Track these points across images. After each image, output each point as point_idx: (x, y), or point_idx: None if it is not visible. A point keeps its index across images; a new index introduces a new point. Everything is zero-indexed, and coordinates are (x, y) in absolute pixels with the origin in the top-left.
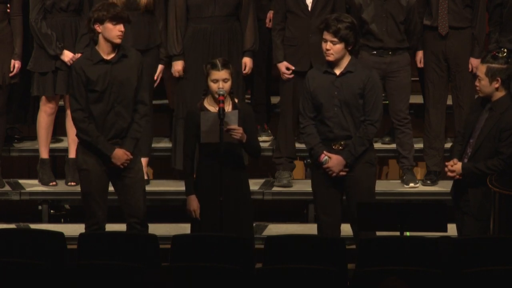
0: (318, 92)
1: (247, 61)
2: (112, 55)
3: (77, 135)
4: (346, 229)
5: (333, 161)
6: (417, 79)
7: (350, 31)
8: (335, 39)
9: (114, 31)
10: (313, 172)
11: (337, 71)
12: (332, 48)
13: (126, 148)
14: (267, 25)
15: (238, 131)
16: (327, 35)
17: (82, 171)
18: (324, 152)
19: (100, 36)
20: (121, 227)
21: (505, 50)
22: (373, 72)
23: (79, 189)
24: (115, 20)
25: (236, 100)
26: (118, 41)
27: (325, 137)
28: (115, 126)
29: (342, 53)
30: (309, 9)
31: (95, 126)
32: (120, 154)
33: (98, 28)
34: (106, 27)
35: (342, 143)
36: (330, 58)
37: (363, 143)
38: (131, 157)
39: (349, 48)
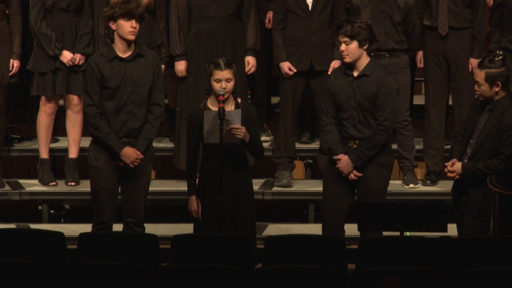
0: (338, 92)
1: (250, 60)
2: (128, 54)
3: (90, 131)
4: (347, 229)
5: (342, 162)
6: (419, 79)
7: (361, 30)
8: (347, 39)
9: (126, 27)
10: (329, 169)
11: (355, 73)
12: (347, 48)
13: (138, 148)
14: (266, 26)
15: (241, 130)
16: (340, 37)
17: (92, 168)
18: (341, 154)
19: (116, 34)
20: (118, 227)
21: (501, 52)
22: (389, 78)
23: (79, 189)
24: (127, 16)
25: (239, 100)
26: (131, 37)
27: (341, 135)
28: (127, 125)
29: (357, 53)
30: (310, 8)
31: (107, 123)
32: (129, 153)
33: (113, 25)
34: (119, 24)
35: (357, 141)
36: (347, 59)
37: (372, 147)
38: (142, 157)
39: (364, 48)
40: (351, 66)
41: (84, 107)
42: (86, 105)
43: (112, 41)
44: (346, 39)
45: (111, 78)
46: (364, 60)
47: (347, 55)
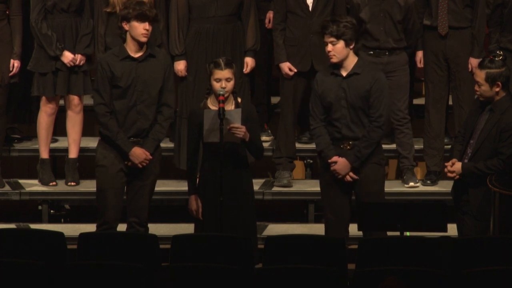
0: (327, 94)
1: (248, 61)
2: (140, 54)
3: (99, 130)
4: (351, 229)
5: (339, 164)
6: (419, 80)
7: (347, 29)
8: (333, 39)
9: (139, 29)
10: (322, 173)
11: (344, 73)
12: (333, 49)
13: (147, 148)
14: (266, 26)
15: (241, 130)
16: (326, 38)
17: (100, 167)
18: (335, 156)
19: (128, 34)
20: (122, 227)
21: (501, 52)
22: (381, 74)
23: (79, 189)
24: (141, 18)
25: (239, 100)
26: (143, 39)
27: (333, 137)
28: (137, 125)
29: (344, 53)
30: (310, 9)
31: (117, 122)
32: (138, 153)
33: (126, 26)
34: (132, 25)
35: (350, 142)
36: (334, 59)
37: (369, 145)
38: (150, 157)
39: (351, 47)
40: (339, 66)
41: (94, 106)
42: (96, 103)
43: (124, 40)
44: (332, 39)
45: (122, 78)
46: (352, 59)
47: (334, 55)
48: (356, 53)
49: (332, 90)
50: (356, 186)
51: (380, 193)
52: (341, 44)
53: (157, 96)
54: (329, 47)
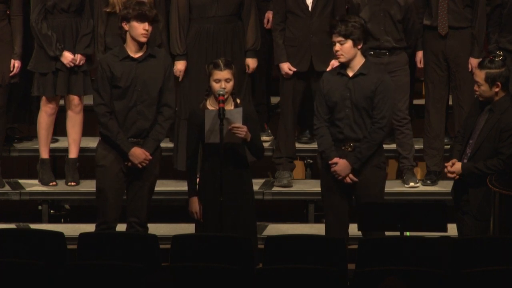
0: (332, 93)
1: (249, 62)
2: (140, 54)
3: (99, 130)
4: (351, 229)
5: (340, 165)
6: (420, 80)
7: (355, 29)
8: (341, 38)
9: (139, 29)
10: (323, 173)
11: (350, 73)
12: (341, 48)
13: (146, 149)
14: (265, 26)
15: (242, 129)
16: (334, 37)
17: (99, 167)
18: (336, 158)
19: (128, 34)
20: (122, 227)
21: (501, 52)
22: (386, 76)
23: (79, 189)
24: (140, 18)
25: (238, 101)
26: (143, 39)
27: (335, 138)
28: (136, 125)
29: (352, 53)
30: (310, 9)
31: (117, 122)
32: (138, 153)
33: (125, 26)
34: (132, 25)
35: (351, 144)
36: (341, 59)
37: (370, 147)
38: (150, 157)
39: (359, 47)
40: (345, 66)
41: (94, 106)
42: (96, 104)
43: (124, 41)
44: (340, 38)
45: (122, 78)
46: (359, 60)
47: (342, 54)
48: (364, 54)
49: (338, 89)
50: (356, 188)
51: (379, 196)
52: (349, 43)
53: (157, 96)
54: (337, 46)
